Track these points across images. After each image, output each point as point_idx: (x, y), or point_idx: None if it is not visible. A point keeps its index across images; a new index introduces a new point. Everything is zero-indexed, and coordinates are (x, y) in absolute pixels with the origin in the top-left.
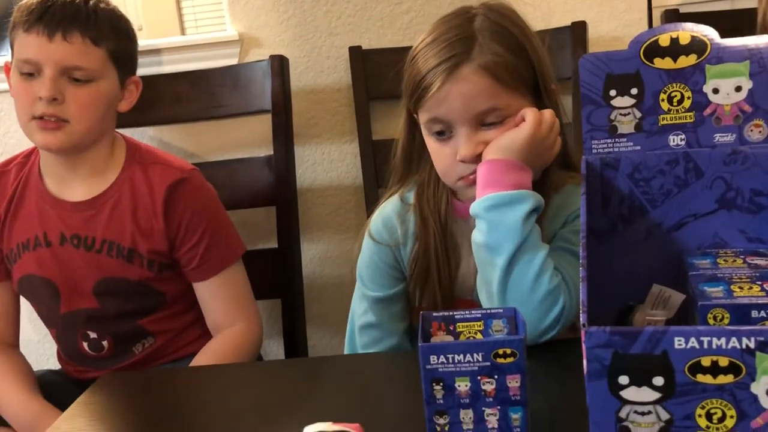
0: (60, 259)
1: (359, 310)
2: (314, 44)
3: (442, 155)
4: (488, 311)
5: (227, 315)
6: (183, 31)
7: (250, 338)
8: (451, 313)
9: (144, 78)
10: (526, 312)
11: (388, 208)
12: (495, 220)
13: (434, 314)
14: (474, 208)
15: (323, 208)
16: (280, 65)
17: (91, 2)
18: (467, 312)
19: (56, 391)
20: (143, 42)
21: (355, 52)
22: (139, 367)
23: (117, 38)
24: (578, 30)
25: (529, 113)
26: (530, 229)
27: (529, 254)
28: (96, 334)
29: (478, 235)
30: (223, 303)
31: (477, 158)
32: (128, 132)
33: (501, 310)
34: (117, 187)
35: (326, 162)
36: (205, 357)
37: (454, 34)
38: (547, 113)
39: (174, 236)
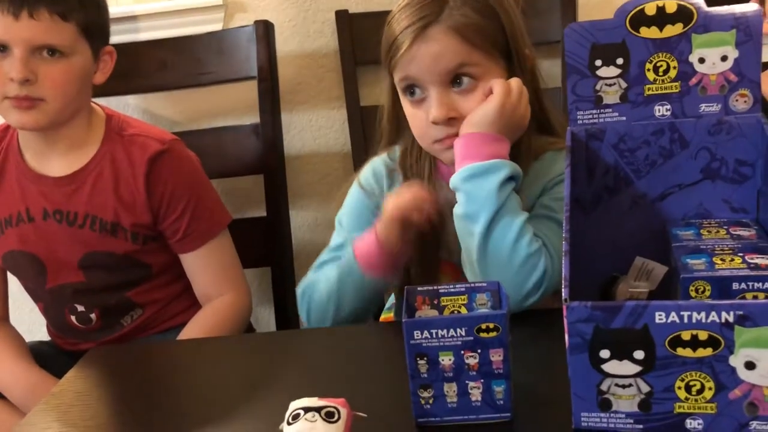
0: (43, 235)
1: (325, 253)
2: (300, 8)
3: (416, 119)
4: (472, 285)
5: (215, 285)
6: None
7: (239, 308)
8: (435, 288)
9: (126, 45)
10: (506, 277)
11: (378, 161)
12: (471, 191)
13: (419, 288)
14: (452, 180)
15: (311, 175)
16: (265, 30)
17: None
18: (451, 286)
19: (48, 362)
20: (125, 8)
21: (342, 16)
22: (128, 338)
23: (86, 10)
24: None
25: (497, 84)
26: (506, 196)
27: (506, 220)
28: (83, 307)
29: (457, 207)
30: (211, 274)
31: (449, 121)
32: (111, 101)
33: (485, 284)
34: (97, 161)
35: (314, 128)
36: (193, 328)
37: None
38: (514, 82)
39: (157, 208)
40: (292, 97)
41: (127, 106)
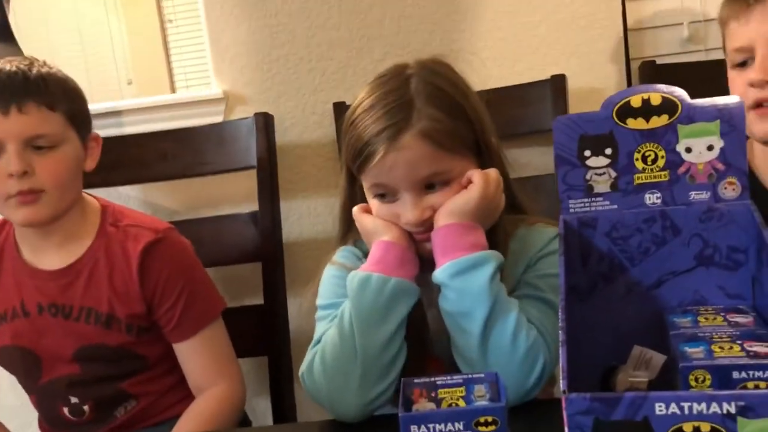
0: (38, 329)
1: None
2: (299, 101)
3: (387, 215)
4: (470, 376)
5: (208, 375)
6: (173, 87)
7: (232, 399)
8: (432, 379)
9: (130, 137)
10: (508, 374)
11: (347, 249)
12: (461, 287)
13: (415, 380)
14: (438, 276)
15: (310, 261)
16: (265, 122)
17: (35, 70)
18: (449, 377)
19: None
20: (131, 102)
21: (339, 108)
22: (121, 431)
23: (70, 100)
24: (557, 82)
25: (476, 175)
26: (498, 289)
27: (502, 316)
28: (77, 399)
29: (446, 304)
30: (204, 363)
31: (423, 222)
32: (114, 190)
33: (482, 375)
34: (92, 253)
35: (313, 216)
36: (187, 420)
37: (392, 99)
38: (492, 172)
39: (151, 298)
40: (292, 186)
41: (128, 197)
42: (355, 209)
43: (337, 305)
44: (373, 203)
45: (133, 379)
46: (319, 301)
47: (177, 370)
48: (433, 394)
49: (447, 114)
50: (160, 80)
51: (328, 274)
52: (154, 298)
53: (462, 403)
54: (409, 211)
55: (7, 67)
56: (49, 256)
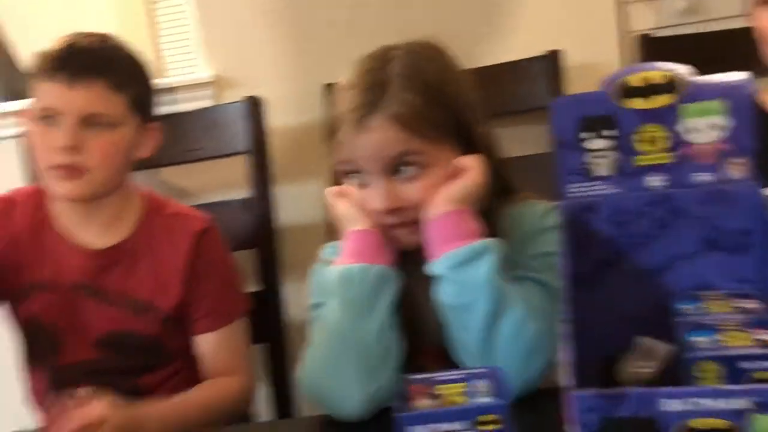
0: (67, 306)
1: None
2: (290, 83)
3: (361, 203)
4: (470, 371)
5: (225, 369)
6: (161, 71)
7: (242, 392)
8: (431, 376)
9: None
10: (511, 368)
11: (334, 246)
12: (463, 280)
13: (412, 377)
14: (436, 268)
15: (306, 247)
16: (255, 106)
17: (111, 47)
18: (448, 373)
19: None
20: None
21: (330, 89)
22: None
23: (138, 84)
24: (553, 59)
25: (471, 162)
26: (501, 280)
27: (506, 309)
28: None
29: (445, 297)
30: (224, 357)
31: (392, 212)
32: None
33: (483, 370)
34: (135, 238)
35: (308, 200)
36: (195, 394)
37: (368, 79)
38: (480, 159)
39: (190, 285)
40: (285, 170)
41: None
42: (330, 190)
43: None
44: (353, 188)
45: (149, 375)
46: (311, 301)
47: (193, 370)
48: (431, 391)
49: (423, 98)
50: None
51: (317, 273)
52: (193, 284)
53: (462, 399)
54: (376, 197)
55: (83, 41)
56: (91, 235)
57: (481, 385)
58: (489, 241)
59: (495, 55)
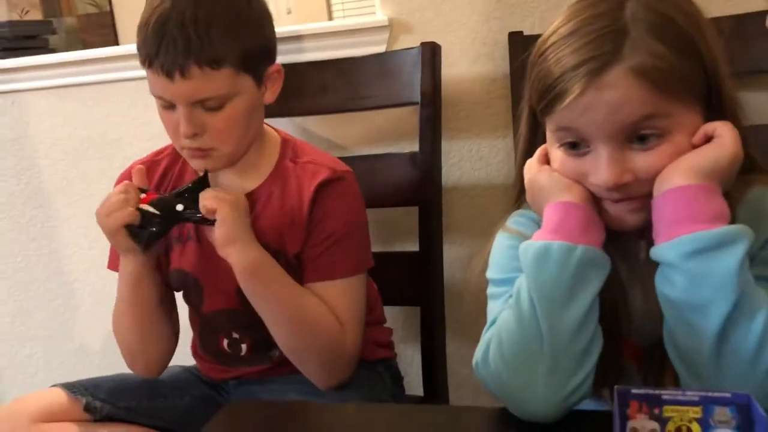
0: (206, 256)
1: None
2: (470, 30)
3: (571, 171)
4: (710, 395)
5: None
6: (330, 16)
7: (339, 339)
8: (656, 392)
9: (288, 66)
10: (746, 388)
11: (523, 214)
12: (700, 272)
13: (633, 391)
14: (665, 254)
15: (469, 209)
16: (432, 53)
17: (204, 15)
18: (680, 392)
19: (188, 387)
20: (289, 28)
21: (516, 39)
22: (273, 372)
23: (241, 42)
24: None
25: (725, 128)
26: (747, 278)
27: (748, 314)
28: (238, 335)
29: (672, 290)
30: (331, 309)
31: (619, 187)
32: (271, 123)
33: (728, 395)
34: (268, 186)
35: (475, 159)
36: (310, 296)
37: (598, 25)
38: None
39: (308, 232)
40: (454, 125)
41: (290, 128)
42: (531, 160)
43: (512, 281)
44: (557, 155)
45: None
46: (490, 275)
47: None
48: (656, 411)
49: (673, 50)
50: (319, 11)
51: (502, 243)
52: (311, 232)
53: (696, 429)
54: (603, 168)
55: (172, 16)
56: (225, 183)
57: (723, 414)
58: (740, 227)
59: (736, 4)
